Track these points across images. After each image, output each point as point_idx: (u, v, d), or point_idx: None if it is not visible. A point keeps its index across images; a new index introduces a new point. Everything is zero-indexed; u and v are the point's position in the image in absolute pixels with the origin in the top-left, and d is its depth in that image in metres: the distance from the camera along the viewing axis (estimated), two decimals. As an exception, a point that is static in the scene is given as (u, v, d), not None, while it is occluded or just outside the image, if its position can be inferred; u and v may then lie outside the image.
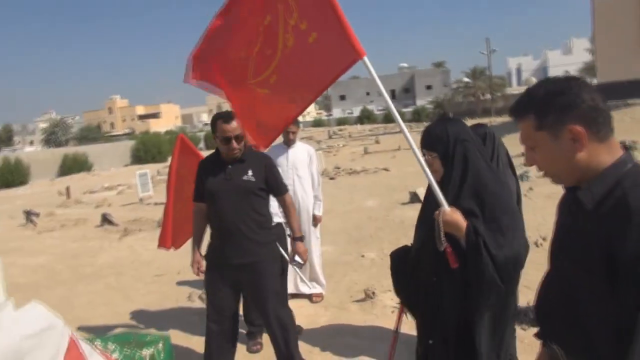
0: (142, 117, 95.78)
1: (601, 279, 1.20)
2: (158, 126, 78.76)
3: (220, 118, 3.24)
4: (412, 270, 2.24)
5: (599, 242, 1.20)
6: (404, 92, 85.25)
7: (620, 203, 1.18)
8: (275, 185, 3.44)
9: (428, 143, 2.17)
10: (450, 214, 1.98)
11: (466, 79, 63.28)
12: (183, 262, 7.14)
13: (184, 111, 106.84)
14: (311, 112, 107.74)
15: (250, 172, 3.32)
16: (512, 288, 2.12)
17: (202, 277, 3.45)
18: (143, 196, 13.91)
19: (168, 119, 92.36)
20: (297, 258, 3.48)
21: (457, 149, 2.08)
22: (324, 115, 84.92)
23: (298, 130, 5.07)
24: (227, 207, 3.28)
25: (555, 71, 77.97)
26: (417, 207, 9.66)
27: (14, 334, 1.01)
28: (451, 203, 2.04)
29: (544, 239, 6.03)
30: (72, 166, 28.48)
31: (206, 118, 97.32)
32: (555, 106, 1.26)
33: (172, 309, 5.26)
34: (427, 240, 2.12)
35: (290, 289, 4.94)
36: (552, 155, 1.30)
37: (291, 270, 4.57)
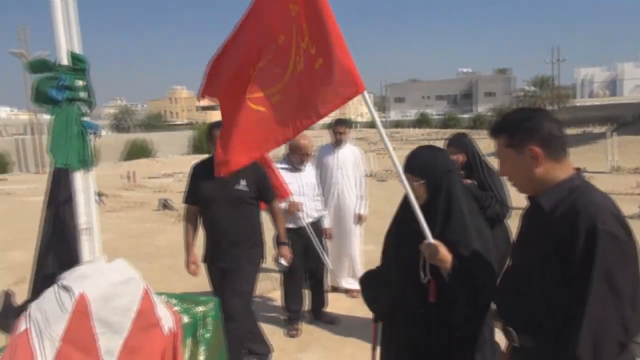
0: (203, 109, 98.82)
1: (552, 269, 1.46)
2: (217, 118, 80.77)
3: (218, 127, 3.27)
4: (392, 301, 2.23)
5: (554, 238, 1.47)
6: (464, 98, 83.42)
7: (571, 208, 1.46)
8: (265, 194, 3.63)
9: (417, 168, 2.13)
10: (437, 247, 1.99)
11: (530, 88, 61.16)
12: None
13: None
14: (367, 113, 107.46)
15: (243, 182, 3.43)
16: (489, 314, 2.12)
17: (197, 275, 3.58)
18: (199, 185, 14.57)
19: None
20: (281, 260, 3.76)
21: (444, 179, 2.09)
22: (380, 117, 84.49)
23: (347, 131, 5.30)
24: (220, 214, 3.42)
25: (628, 84, 73.66)
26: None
27: (104, 281, 1.33)
28: (438, 234, 2.05)
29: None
30: (136, 152, 30.03)
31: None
32: (521, 130, 1.58)
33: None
34: (409, 272, 2.12)
35: (332, 283, 5.22)
36: (516, 168, 1.61)
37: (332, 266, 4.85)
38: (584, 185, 1.55)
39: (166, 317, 1.47)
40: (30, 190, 16.25)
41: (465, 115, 68.07)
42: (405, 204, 2.17)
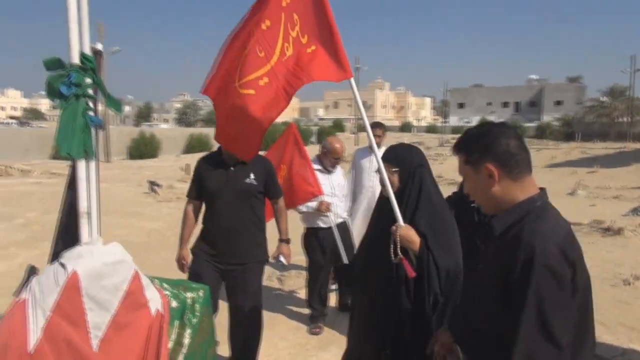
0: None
1: (496, 297, 1.38)
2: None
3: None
4: (361, 284, 2.44)
5: (498, 264, 1.40)
6: (530, 106, 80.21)
7: (517, 235, 1.38)
8: (272, 189, 3.56)
9: (393, 158, 2.42)
10: (406, 230, 2.20)
11: (603, 98, 57.90)
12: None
13: (303, 104, 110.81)
14: (427, 117, 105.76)
15: (252, 176, 3.38)
16: (454, 297, 2.18)
17: (186, 272, 3.44)
18: (250, 180, 14.94)
19: (286, 111, 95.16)
20: (281, 258, 3.71)
21: (416, 172, 2.34)
22: (439, 122, 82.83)
23: (384, 135, 5.32)
24: (227, 208, 3.32)
25: None
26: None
27: (97, 261, 1.47)
28: (408, 218, 2.27)
29: (636, 278, 5.64)
30: (196, 145, 31.20)
31: (322, 113, 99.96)
32: (478, 147, 1.51)
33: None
34: (378, 254, 2.30)
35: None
36: (474, 186, 1.55)
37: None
38: (540, 208, 1.45)
39: (154, 299, 1.59)
40: (95, 177, 17.29)
41: (530, 124, 65.41)
42: (382, 197, 2.42)
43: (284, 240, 3.73)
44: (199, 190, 3.46)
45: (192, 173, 3.60)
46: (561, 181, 16.34)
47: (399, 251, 2.18)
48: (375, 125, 5.28)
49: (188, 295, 1.71)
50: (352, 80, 2.60)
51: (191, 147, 31.12)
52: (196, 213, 3.53)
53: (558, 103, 75.50)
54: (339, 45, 2.55)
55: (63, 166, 21.34)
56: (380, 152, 5.22)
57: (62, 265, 1.45)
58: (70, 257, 1.46)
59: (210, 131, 35.72)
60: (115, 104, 1.68)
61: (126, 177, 17.16)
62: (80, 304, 1.42)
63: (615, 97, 55.74)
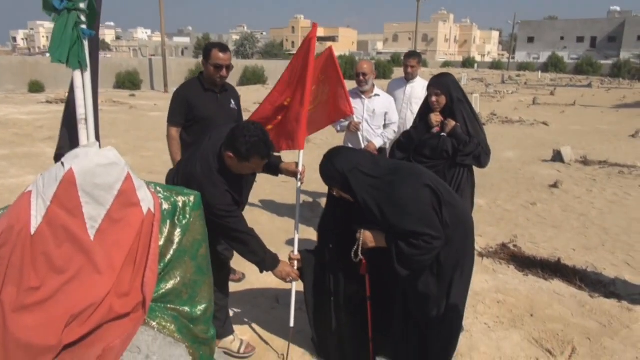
0: (321, 39, 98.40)
1: None
2: (334, 49, 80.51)
3: (216, 47, 3.36)
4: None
5: None
6: (608, 41, 73.66)
7: None
8: (241, 118, 3.63)
9: (326, 181, 2.39)
10: (368, 234, 2.31)
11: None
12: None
13: (361, 37, 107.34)
14: (492, 52, 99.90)
15: (232, 102, 3.50)
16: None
17: None
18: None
19: (345, 44, 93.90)
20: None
21: (350, 179, 2.26)
22: (505, 58, 78.14)
23: (418, 66, 5.19)
24: None
25: None
26: (557, 166, 9.13)
27: (93, 161, 1.65)
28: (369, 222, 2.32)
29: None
30: (250, 78, 31.31)
31: (381, 47, 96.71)
32: None
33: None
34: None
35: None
36: None
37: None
38: None
39: (146, 200, 1.77)
40: (151, 106, 18.01)
41: (606, 62, 60.39)
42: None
43: None
44: (185, 116, 3.40)
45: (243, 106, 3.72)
46: (626, 123, 15.32)
47: (359, 252, 2.35)
48: (409, 55, 5.16)
49: (179, 199, 1.88)
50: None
51: (246, 79, 31.29)
52: (179, 139, 3.48)
53: (641, 38, 68.91)
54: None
55: (125, 95, 22.25)
56: (413, 84, 5.19)
57: (62, 164, 1.64)
58: (68, 157, 1.65)
59: (265, 63, 35.69)
60: (90, 19, 1.71)
61: (181, 107, 17.67)
62: (76, 197, 1.61)
63: None
